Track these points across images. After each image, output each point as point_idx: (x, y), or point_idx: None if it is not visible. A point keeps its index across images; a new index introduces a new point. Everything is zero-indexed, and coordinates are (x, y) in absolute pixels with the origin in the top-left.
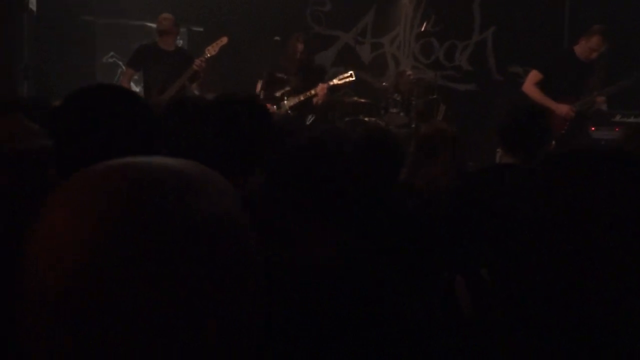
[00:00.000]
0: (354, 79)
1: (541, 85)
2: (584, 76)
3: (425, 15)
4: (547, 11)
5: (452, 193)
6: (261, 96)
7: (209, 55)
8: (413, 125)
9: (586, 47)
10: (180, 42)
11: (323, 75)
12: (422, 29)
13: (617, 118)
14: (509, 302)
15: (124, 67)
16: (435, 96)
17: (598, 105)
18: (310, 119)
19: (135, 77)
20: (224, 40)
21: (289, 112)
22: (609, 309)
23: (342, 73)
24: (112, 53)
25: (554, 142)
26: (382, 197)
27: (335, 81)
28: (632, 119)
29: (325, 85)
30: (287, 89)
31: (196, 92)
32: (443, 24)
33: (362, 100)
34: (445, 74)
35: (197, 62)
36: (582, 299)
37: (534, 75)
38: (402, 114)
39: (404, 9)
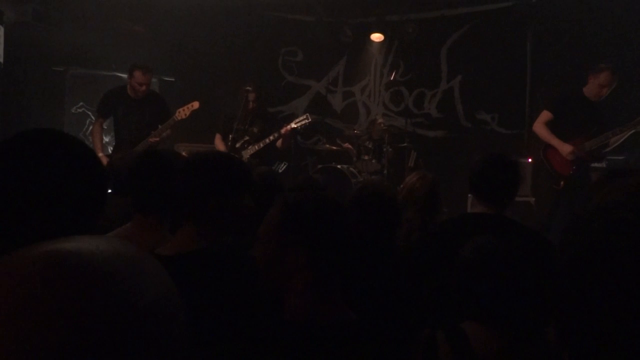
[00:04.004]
0: (309, 120)
1: (551, 124)
2: (594, 116)
3: (394, 64)
4: (510, 61)
5: (425, 246)
6: (225, 149)
7: (179, 118)
8: (385, 172)
9: (596, 84)
10: None
11: (278, 121)
12: (392, 77)
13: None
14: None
15: (93, 117)
16: (406, 143)
17: (611, 145)
18: (283, 167)
19: (104, 125)
20: (196, 105)
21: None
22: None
23: (297, 117)
24: (81, 103)
25: (562, 183)
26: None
27: (292, 125)
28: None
29: (289, 127)
30: (246, 138)
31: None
32: (411, 73)
33: (334, 148)
34: (415, 121)
35: (154, 140)
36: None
37: (544, 115)
38: (374, 160)
39: (373, 59)
